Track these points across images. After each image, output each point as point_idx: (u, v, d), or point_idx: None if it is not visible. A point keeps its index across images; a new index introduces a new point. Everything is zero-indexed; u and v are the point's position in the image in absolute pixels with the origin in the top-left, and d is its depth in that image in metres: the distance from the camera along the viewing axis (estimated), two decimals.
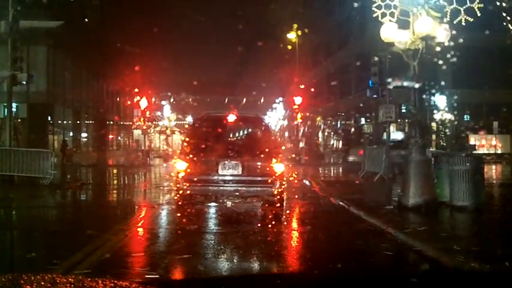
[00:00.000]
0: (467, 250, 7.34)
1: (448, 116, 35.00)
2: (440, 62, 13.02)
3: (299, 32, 43.39)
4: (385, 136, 23.78)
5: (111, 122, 52.63)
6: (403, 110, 25.17)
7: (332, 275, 5.96)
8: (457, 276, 2.97)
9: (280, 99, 61.02)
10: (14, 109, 23.01)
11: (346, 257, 7.43)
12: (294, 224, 11.58)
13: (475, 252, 7.16)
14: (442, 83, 32.42)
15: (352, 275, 6.40)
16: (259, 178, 10.84)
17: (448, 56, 13.49)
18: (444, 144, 36.88)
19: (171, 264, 7.05)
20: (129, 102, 57.84)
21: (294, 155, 37.63)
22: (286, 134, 62.30)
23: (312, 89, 49.84)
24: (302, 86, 42.31)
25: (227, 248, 8.19)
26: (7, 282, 2.11)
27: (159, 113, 60.53)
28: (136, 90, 50.98)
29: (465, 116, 38.39)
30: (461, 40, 12.68)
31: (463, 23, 11.25)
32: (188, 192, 10.96)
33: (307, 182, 20.83)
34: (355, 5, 25.73)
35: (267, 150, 11.20)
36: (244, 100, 71.17)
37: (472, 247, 7.62)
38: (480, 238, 8.45)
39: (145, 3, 47.79)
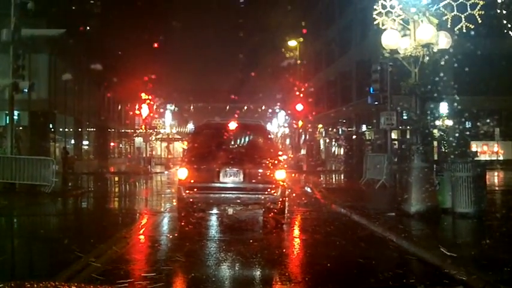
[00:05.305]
0: (470, 258, 7.31)
1: (450, 123, 34.94)
2: (442, 68, 13.02)
3: (300, 39, 43.50)
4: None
5: (113, 130, 52.67)
6: (405, 117, 25.17)
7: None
8: None
9: (282, 106, 61.03)
10: (15, 117, 23.01)
11: (348, 266, 7.40)
12: (296, 232, 11.54)
13: (478, 259, 7.13)
14: (443, 89, 32.39)
15: (356, 286, 6.40)
16: (261, 185, 10.81)
17: (449, 62, 13.51)
18: (446, 151, 36.80)
19: (172, 273, 7.02)
20: (130, 111, 57.95)
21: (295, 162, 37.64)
22: (288, 141, 62.28)
23: (313, 96, 49.89)
24: (301, 95, 42.29)
25: (229, 257, 8.15)
26: None
27: (160, 121, 60.65)
28: (137, 98, 51.07)
29: (467, 123, 38.36)
30: (462, 47, 12.70)
31: (464, 30, 11.27)
32: (190, 199, 10.94)
33: (308, 189, 20.81)
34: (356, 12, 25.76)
35: (268, 157, 11.20)
36: (246, 107, 71.25)
37: (475, 254, 7.59)
38: (483, 245, 8.41)
39: (147, 12, 47.90)
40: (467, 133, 37.35)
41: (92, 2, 40.36)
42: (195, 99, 73.37)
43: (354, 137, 41.43)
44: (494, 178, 26.90)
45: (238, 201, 10.91)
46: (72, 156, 34.53)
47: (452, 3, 11.23)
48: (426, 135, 12.25)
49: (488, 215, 11.55)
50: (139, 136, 53.99)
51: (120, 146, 58.14)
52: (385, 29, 12.10)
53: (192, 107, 74.54)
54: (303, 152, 45.53)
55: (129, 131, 57.81)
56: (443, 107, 33.94)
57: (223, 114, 52.07)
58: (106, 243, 8.63)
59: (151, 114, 54.89)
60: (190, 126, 58.61)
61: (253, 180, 10.81)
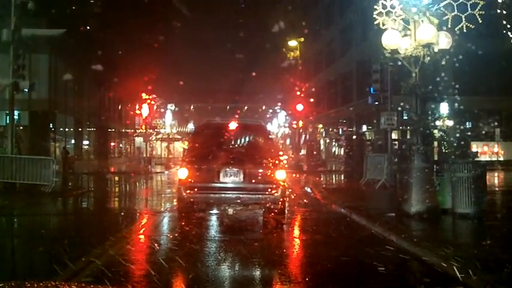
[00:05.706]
0: (470, 258, 7.29)
1: (450, 123, 34.90)
2: (442, 69, 13.02)
3: (301, 39, 43.49)
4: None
5: (113, 130, 52.64)
6: (405, 117, 25.16)
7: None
8: None
9: (282, 106, 61.07)
10: (15, 117, 23.00)
11: (348, 266, 7.40)
12: (296, 232, 11.53)
13: (478, 260, 7.12)
14: (444, 89, 32.32)
15: (356, 286, 6.40)
16: (261, 185, 10.81)
17: (450, 63, 13.51)
18: (446, 151, 36.74)
19: (173, 273, 7.01)
20: (131, 111, 57.93)
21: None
22: (288, 141, 62.28)
23: (314, 96, 49.87)
24: (301, 95, 42.28)
25: (229, 257, 8.15)
26: None
27: (160, 121, 60.63)
28: (138, 98, 51.05)
29: (467, 123, 38.32)
30: (463, 47, 12.67)
31: (465, 30, 11.26)
32: (190, 199, 10.94)
33: (308, 189, 20.79)
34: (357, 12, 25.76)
35: (268, 157, 11.19)
36: (246, 107, 71.30)
37: (475, 255, 7.58)
38: (483, 246, 8.40)
39: (148, 12, 47.88)
40: (468, 133, 37.29)
41: (92, 2, 40.39)
42: (195, 99, 73.40)
43: (354, 137, 41.37)
44: (495, 179, 26.89)
45: (239, 201, 10.91)
46: (72, 156, 34.52)
47: (453, 3, 11.22)
48: (426, 135, 12.23)
49: (489, 215, 11.55)
50: (140, 136, 53.96)
51: (121, 145, 58.09)
52: (385, 29, 12.08)
53: (192, 107, 74.59)
54: (303, 152, 45.50)
55: (129, 130, 57.77)
56: (444, 107, 33.88)
57: (223, 114, 52.15)
58: (106, 243, 8.63)
59: (152, 114, 54.93)
60: (191, 126, 58.62)
61: (254, 180, 10.81)
